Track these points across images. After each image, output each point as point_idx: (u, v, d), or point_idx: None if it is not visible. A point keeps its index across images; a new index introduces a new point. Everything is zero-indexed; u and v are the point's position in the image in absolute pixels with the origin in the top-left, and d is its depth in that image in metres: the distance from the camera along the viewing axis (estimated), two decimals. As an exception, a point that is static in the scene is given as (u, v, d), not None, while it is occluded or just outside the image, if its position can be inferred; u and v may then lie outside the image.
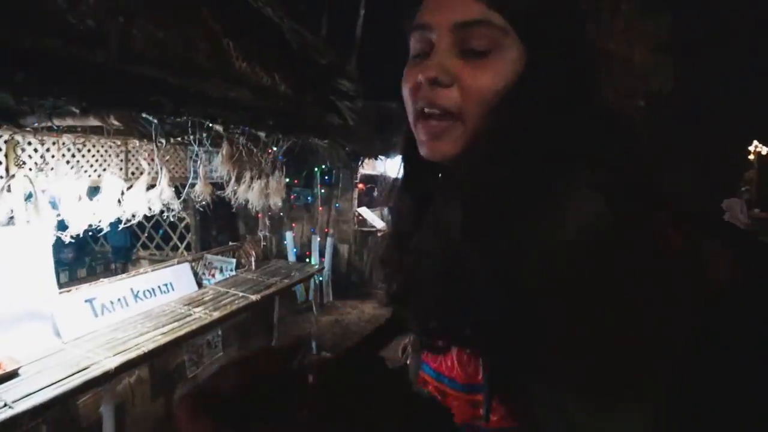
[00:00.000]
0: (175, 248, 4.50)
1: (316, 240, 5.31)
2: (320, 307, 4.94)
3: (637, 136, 0.44)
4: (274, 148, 3.19)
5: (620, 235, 0.33)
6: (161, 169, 2.14)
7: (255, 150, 2.75)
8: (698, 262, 0.34)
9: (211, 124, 1.76)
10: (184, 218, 4.36)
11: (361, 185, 7.33)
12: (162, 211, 2.34)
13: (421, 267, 0.43)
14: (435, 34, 0.42)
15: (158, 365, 2.61)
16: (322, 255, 5.29)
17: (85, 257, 4.73)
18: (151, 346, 2.05)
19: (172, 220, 4.44)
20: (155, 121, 1.62)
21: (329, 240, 5.25)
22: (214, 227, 6.77)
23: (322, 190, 5.35)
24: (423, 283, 0.43)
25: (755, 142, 10.14)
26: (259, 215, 3.74)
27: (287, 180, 5.29)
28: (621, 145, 0.40)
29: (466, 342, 0.40)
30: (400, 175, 0.54)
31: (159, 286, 2.63)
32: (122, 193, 1.99)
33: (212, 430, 0.25)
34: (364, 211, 6.38)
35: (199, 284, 3.00)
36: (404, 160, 0.53)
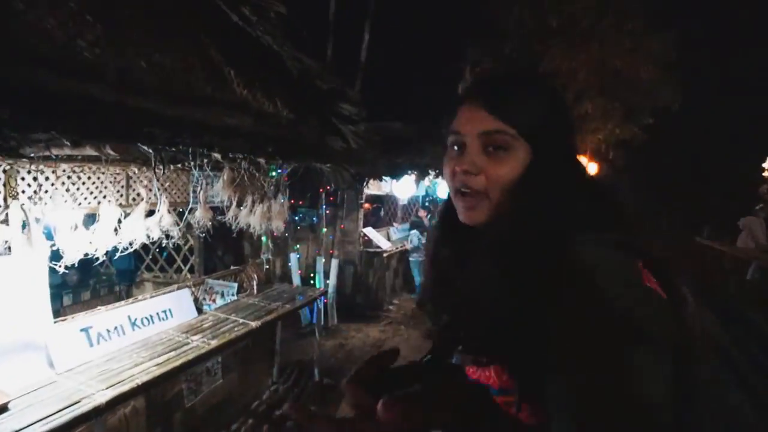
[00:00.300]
0: (179, 270, 4.47)
1: (321, 261, 5.26)
2: (324, 331, 4.84)
3: (619, 202, 0.61)
4: (278, 171, 3.19)
5: (618, 278, 0.49)
6: (160, 195, 2.13)
7: (257, 174, 2.74)
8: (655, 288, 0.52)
9: (208, 152, 1.75)
10: (188, 240, 4.35)
11: (367, 205, 7.32)
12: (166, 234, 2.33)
13: (465, 304, 0.59)
14: (467, 139, 0.62)
15: (155, 395, 2.55)
16: (327, 276, 5.23)
17: (89, 280, 4.72)
18: (144, 378, 1.99)
19: (176, 242, 4.46)
20: (151, 150, 1.60)
21: (334, 261, 5.19)
22: (220, 248, 6.78)
23: (327, 211, 5.32)
24: (469, 315, 0.57)
25: (769, 159, 9.95)
26: (262, 237, 3.71)
27: (291, 201, 5.30)
28: (608, 212, 0.58)
29: (502, 359, 0.55)
30: (438, 230, 0.74)
31: (158, 313, 2.58)
32: (119, 221, 1.97)
33: (364, 397, 0.40)
34: (370, 232, 6.33)
35: (200, 310, 2.95)
36: (443, 220, 0.72)
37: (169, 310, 2.66)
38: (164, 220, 2.17)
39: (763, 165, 9.91)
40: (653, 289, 0.51)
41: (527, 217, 0.56)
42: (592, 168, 9.03)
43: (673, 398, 0.45)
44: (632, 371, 0.44)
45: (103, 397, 1.79)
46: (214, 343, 2.42)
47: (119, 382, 1.93)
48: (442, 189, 8.09)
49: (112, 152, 1.54)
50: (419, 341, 4.57)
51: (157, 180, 2.07)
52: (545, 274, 0.49)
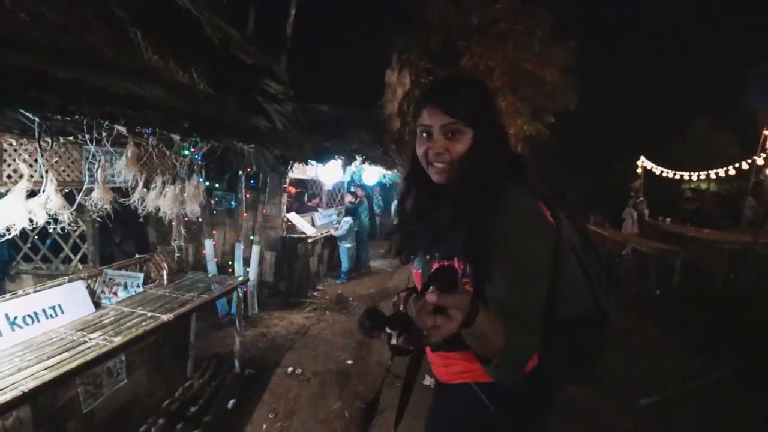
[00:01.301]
0: (68, 260, 3.89)
1: (240, 248, 4.98)
2: (245, 320, 4.62)
3: (528, 165, 1.06)
4: (191, 151, 2.90)
5: (531, 208, 0.95)
6: (46, 172, 1.81)
7: (168, 152, 2.48)
8: (554, 221, 1.00)
9: (110, 125, 1.51)
10: (79, 226, 3.80)
11: (291, 189, 7.06)
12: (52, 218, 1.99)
13: (423, 229, 1.07)
14: (433, 129, 1.00)
15: (43, 402, 2.20)
16: (246, 264, 4.97)
17: (-56, 272, 3.90)
18: (31, 384, 1.71)
19: (65, 227, 3.86)
20: (36, 119, 1.34)
21: (255, 248, 4.95)
22: (118, 234, 6.03)
23: (247, 195, 5.03)
24: (443, 232, 0.99)
25: (642, 158, 11.77)
26: (174, 223, 3.38)
27: (207, 184, 4.90)
28: (524, 171, 1.03)
29: (464, 255, 0.96)
30: (407, 186, 1.16)
31: (44, 310, 2.23)
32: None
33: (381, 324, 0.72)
34: (294, 217, 6.14)
35: (99, 304, 2.61)
36: (414, 179, 1.13)
37: (59, 306, 2.31)
38: (52, 201, 1.85)
39: (638, 163, 11.69)
40: (546, 216, 0.98)
41: (475, 174, 0.95)
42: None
43: (552, 268, 0.95)
44: (537, 247, 0.92)
45: (-29, 411, 1.50)
46: (117, 340, 2.16)
47: (-3, 391, 1.63)
48: (368, 175, 8.13)
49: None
50: (345, 325, 4.59)
51: (42, 155, 1.75)
52: (486, 205, 0.91)
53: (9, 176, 2.00)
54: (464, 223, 0.92)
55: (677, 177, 11.26)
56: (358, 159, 6.07)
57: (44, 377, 1.76)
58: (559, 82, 10.12)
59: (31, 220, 1.80)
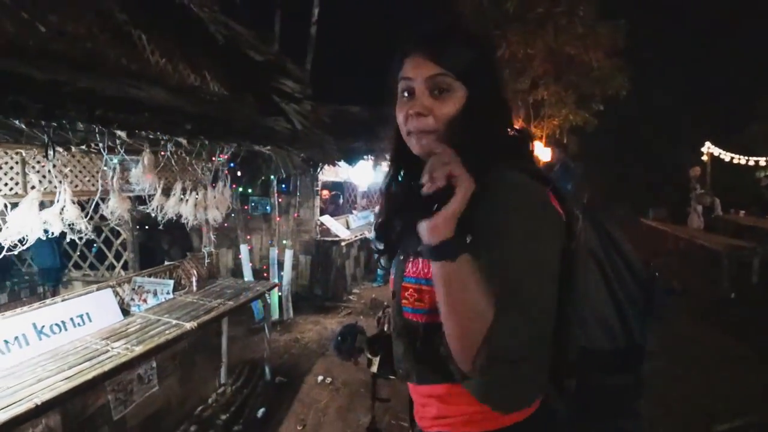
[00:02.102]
0: (112, 267, 4.06)
1: (275, 252, 4.98)
2: (279, 325, 4.61)
3: (531, 143, 0.89)
4: (218, 156, 2.88)
5: (530, 187, 0.73)
6: (61, 183, 1.80)
7: (188, 158, 2.44)
8: (557, 208, 0.77)
9: (101, 128, 1.46)
10: (120, 234, 3.95)
11: (325, 192, 7.04)
12: (96, 227, 2.01)
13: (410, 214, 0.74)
14: (415, 83, 0.77)
15: (73, 410, 2.24)
16: (281, 268, 4.96)
17: (5, 280, 4.20)
18: (46, 396, 1.70)
19: (107, 235, 4.02)
20: (23, 125, 1.30)
21: (288, 252, 4.93)
22: (166, 241, 6.30)
23: (280, 200, 5.03)
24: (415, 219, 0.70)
25: (707, 144, 10.57)
26: (203, 229, 3.39)
27: (241, 189, 4.95)
28: (525, 150, 0.85)
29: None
30: (391, 168, 0.93)
31: (72, 318, 2.26)
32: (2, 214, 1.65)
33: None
34: (327, 220, 6.09)
35: (127, 312, 2.64)
36: (396, 154, 0.88)
37: (87, 314, 2.33)
38: (68, 211, 1.85)
39: (702, 150, 10.53)
40: (554, 205, 0.76)
41: (464, 147, 0.68)
42: (546, 153, 9.18)
43: (561, 268, 0.72)
44: (536, 227, 0.70)
45: (-15, 424, 1.49)
46: (138, 349, 2.14)
47: (13, 404, 1.63)
48: (402, 175, 7.93)
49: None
50: (377, 331, 4.43)
51: (53, 164, 1.74)
52: (479, 185, 0.65)
53: (33, 187, 2.02)
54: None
55: (751, 163, 9.95)
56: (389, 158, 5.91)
57: (60, 388, 1.75)
58: (607, 67, 9.36)
59: (46, 231, 1.80)
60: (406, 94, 0.79)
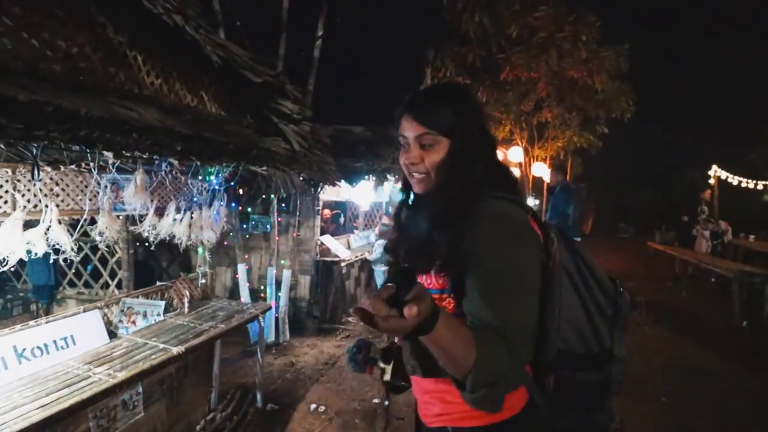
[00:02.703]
0: (107, 286, 4.00)
1: (272, 272, 4.91)
2: (275, 348, 4.49)
3: (512, 176, 1.04)
4: (215, 176, 2.85)
5: (511, 216, 0.90)
6: (48, 202, 1.76)
7: (183, 178, 2.41)
8: (536, 230, 0.95)
9: (87, 149, 1.42)
10: (116, 252, 3.90)
11: (326, 212, 6.99)
12: (92, 245, 1.96)
13: (413, 238, 1.00)
14: (409, 140, 0.98)
15: (52, 438, 2.14)
16: (279, 289, 4.88)
17: (0, 297, 4.15)
18: (18, 425, 1.62)
19: (103, 253, 3.98)
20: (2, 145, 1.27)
21: (286, 272, 4.85)
22: (164, 258, 6.25)
23: (279, 219, 4.99)
24: (415, 245, 0.98)
25: (714, 167, 10.46)
26: (199, 250, 3.34)
27: (240, 208, 4.92)
28: (508, 182, 1.00)
29: (436, 269, 0.92)
30: (401, 203, 1.14)
31: (55, 341, 2.19)
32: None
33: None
34: (328, 240, 6.02)
35: (114, 334, 2.56)
36: (405, 189, 1.11)
37: (71, 337, 2.26)
38: (54, 231, 1.80)
39: (709, 173, 10.42)
40: (534, 228, 0.94)
41: (449, 185, 0.92)
42: (547, 175, 9.12)
43: (540, 285, 0.89)
44: (517, 255, 0.86)
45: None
46: (121, 375, 2.06)
47: (-19, 435, 1.55)
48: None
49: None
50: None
51: (42, 183, 1.71)
52: (462, 216, 0.88)
53: (24, 206, 1.98)
54: (438, 235, 0.90)
55: (759, 187, 9.79)
56: (391, 178, 5.87)
57: (33, 418, 1.66)
58: (611, 90, 9.38)
59: (29, 252, 1.75)
60: (404, 146, 1.00)
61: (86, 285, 4.11)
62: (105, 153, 1.50)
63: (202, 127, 1.95)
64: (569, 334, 0.93)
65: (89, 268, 4.04)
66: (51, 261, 3.77)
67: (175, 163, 1.85)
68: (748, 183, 9.97)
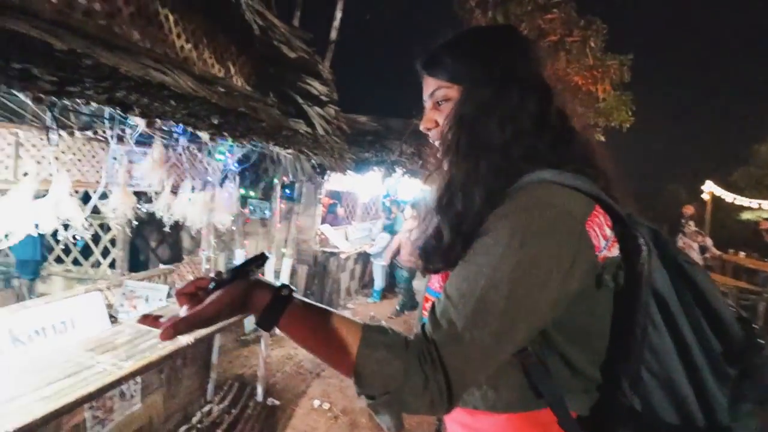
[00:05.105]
0: (98, 264, 3.76)
1: (272, 260, 4.73)
2: (270, 338, 4.33)
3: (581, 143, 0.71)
4: (225, 156, 2.66)
5: (557, 208, 0.61)
6: (57, 171, 1.57)
7: (199, 154, 2.23)
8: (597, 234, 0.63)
9: (123, 114, 1.25)
10: (110, 228, 3.67)
11: (325, 200, 6.82)
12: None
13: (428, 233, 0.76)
14: (426, 102, 0.78)
15: (45, 429, 1.96)
16: (277, 277, 4.71)
17: (-22, 271, 3.86)
18: (18, 422, 1.44)
19: (97, 229, 3.74)
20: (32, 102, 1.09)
21: (286, 261, 4.69)
22: (154, 238, 5.97)
23: (282, 205, 4.81)
24: (428, 241, 0.74)
25: (708, 182, 10.65)
26: (204, 231, 3.15)
27: (242, 191, 4.71)
28: (572, 152, 0.69)
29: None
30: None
31: (54, 325, 2.00)
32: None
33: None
34: (328, 230, 5.87)
35: (116, 318, 2.38)
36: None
37: (71, 320, 2.07)
38: (62, 205, 1.61)
39: (702, 188, 10.61)
40: (587, 233, 0.61)
41: (455, 155, 0.71)
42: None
43: (613, 314, 0.66)
44: (526, 270, 0.59)
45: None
46: (127, 365, 1.89)
47: (-24, 428, 1.38)
48: (405, 190, 7.77)
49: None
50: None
51: (52, 147, 1.52)
52: (471, 203, 0.67)
53: (24, 173, 1.78)
54: (445, 229, 0.69)
55: (754, 205, 9.98)
56: (399, 171, 5.74)
57: (36, 412, 1.49)
58: (611, 99, 9.43)
59: (36, 226, 1.56)
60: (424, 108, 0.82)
61: (75, 262, 3.86)
62: (137, 119, 1.33)
63: (234, 100, 1.78)
64: (655, 392, 0.63)
65: (80, 244, 3.78)
66: (38, 234, 3.54)
67: (206, 137, 1.68)
68: (741, 201, 10.08)
